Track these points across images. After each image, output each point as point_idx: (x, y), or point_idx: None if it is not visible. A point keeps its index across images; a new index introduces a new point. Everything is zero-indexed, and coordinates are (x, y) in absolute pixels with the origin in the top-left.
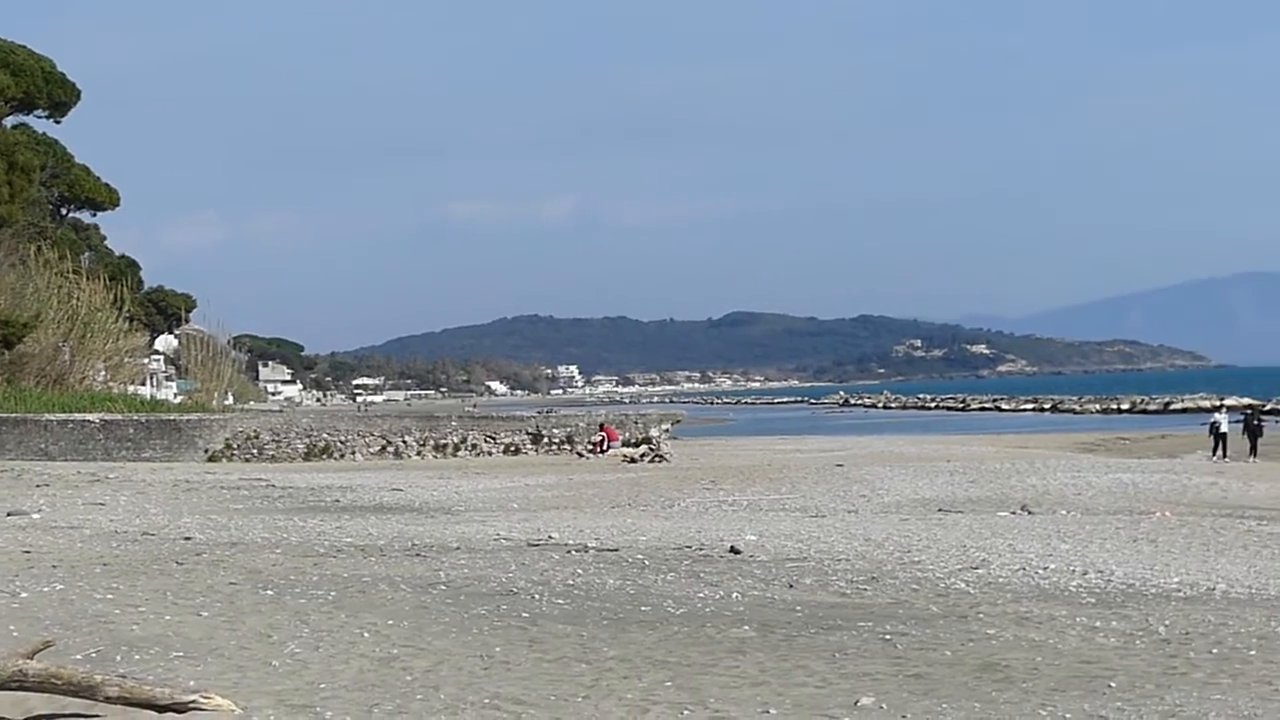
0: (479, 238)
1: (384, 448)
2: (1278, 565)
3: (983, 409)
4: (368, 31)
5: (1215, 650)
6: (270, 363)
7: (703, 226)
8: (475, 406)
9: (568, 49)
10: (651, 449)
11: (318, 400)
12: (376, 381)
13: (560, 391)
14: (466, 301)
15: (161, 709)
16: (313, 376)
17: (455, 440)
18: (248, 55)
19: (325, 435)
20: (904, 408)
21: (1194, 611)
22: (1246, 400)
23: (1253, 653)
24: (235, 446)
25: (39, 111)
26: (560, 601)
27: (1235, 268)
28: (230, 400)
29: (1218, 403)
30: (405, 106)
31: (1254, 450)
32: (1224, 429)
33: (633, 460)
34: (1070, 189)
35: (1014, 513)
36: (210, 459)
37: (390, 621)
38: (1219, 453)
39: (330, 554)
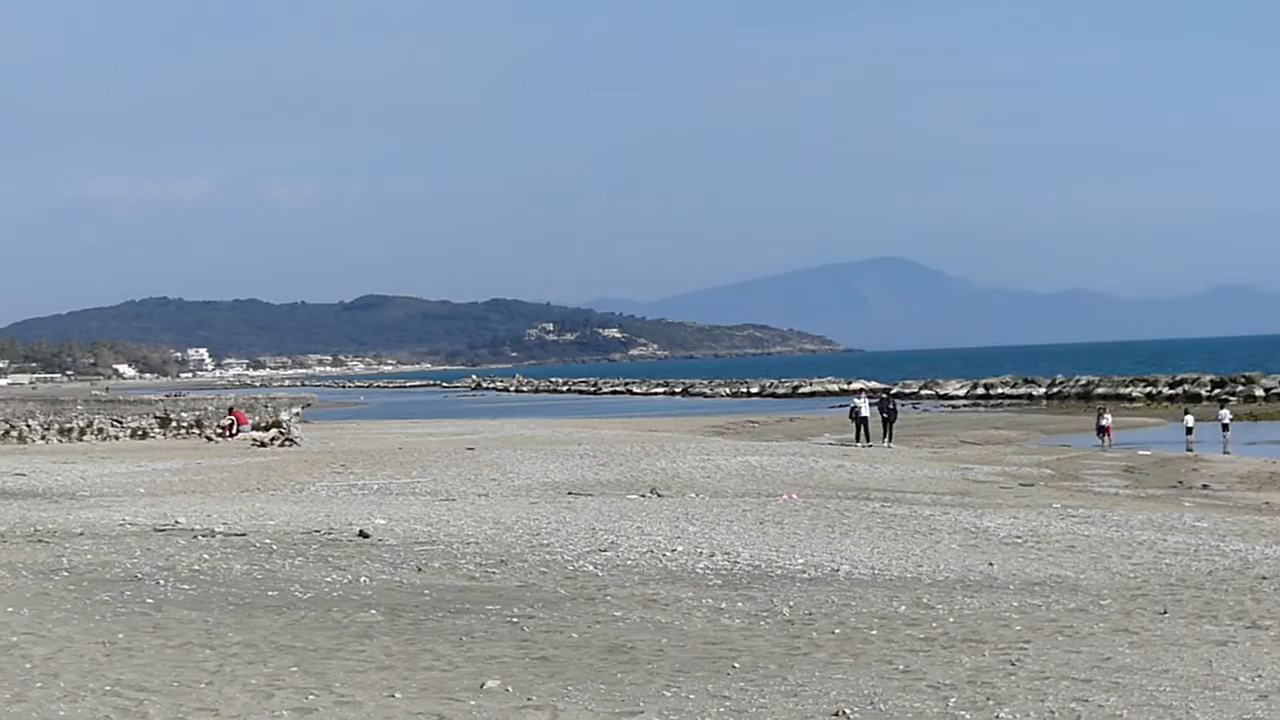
0: (107, 218)
1: (6, 432)
2: (900, 546)
3: (614, 393)
4: None
5: (838, 630)
6: None
7: (335, 208)
8: (106, 390)
9: (205, 22)
10: (282, 433)
11: None
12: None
13: (190, 375)
14: (93, 283)
15: None
16: None
17: (81, 424)
18: None
19: None
20: (536, 391)
21: (818, 592)
22: (875, 384)
23: (874, 632)
24: None
25: None
26: (186, 587)
27: (865, 253)
28: None
29: (858, 387)
30: (29, 80)
31: (888, 434)
32: (864, 413)
33: (263, 444)
34: (699, 172)
35: (643, 496)
36: None
37: (10, 609)
38: (862, 438)
39: None
